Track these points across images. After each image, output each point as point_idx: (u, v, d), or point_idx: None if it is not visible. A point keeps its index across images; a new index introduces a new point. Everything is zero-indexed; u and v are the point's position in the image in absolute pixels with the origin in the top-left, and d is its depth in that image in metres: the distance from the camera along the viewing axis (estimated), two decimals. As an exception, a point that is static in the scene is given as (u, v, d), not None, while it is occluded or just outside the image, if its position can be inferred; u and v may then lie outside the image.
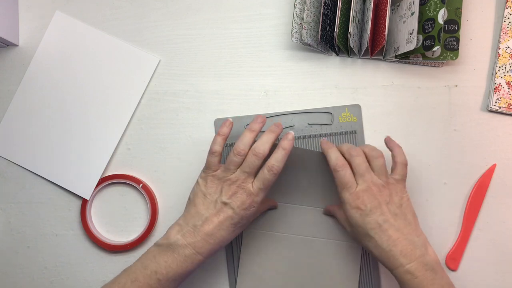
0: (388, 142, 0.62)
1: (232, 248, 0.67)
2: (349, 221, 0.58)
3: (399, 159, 0.59)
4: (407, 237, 0.55)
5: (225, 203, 0.57)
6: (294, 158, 0.63)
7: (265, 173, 0.57)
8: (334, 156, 0.59)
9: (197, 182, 0.61)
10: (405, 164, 0.59)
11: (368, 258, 0.66)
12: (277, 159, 0.57)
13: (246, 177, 0.58)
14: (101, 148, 0.69)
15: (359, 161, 0.58)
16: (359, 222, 0.56)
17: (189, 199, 0.61)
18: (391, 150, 0.61)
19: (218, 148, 0.59)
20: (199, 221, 0.57)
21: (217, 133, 0.60)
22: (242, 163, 0.58)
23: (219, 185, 0.58)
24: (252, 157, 0.57)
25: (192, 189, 0.61)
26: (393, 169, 0.60)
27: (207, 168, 0.60)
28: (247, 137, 0.59)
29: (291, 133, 0.59)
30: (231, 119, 0.61)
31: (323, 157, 0.62)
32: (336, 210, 0.63)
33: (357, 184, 0.57)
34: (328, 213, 0.65)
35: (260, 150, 0.57)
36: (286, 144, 0.58)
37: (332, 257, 0.65)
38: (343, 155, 0.60)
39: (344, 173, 0.57)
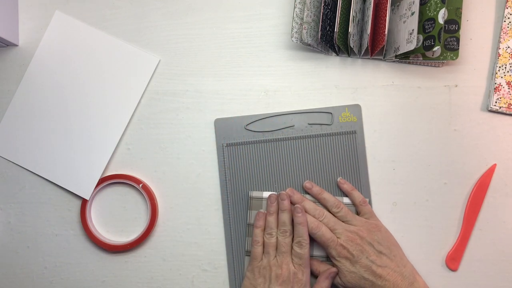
0: (341, 186, 0.67)
1: (232, 248, 0.67)
2: (342, 271, 0.62)
3: (357, 201, 0.65)
4: (395, 270, 0.61)
5: None
6: None
7: (295, 250, 0.62)
8: (308, 221, 0.63)
9: (246, 276, 0.64)
10: (366, 202, 0.65)
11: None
12: (299, 234, 0.62)
13: (285, 256, 0.62)
14: (101, 148, 0.69)
15: (327, 220, 0.63)
16: (351, 268, 0.61)
17: None
18: (348, 194, 0.66)
19: (260, 239, 0.64)
20: None
21: (255, 226, 0.65)
22: (276, 243, 0.63)
23: (267, 274, 0.62)
24: (280, 237, 0.63)
25: (241, 285, 0.64)
26: (358, 212, 0.66)
27: (254, 259, 0.64)
28: (272, 221, 0.65)
29: (299, 207, 0.64)
30: (263, 211, 0.66)
31: None
32: (323, 274, 0.64)
33: (337, 237, 0.62)
34: (316, 273, 0.66)
35: (284, 228, 0.63)
36: (299, 219, 0.63)
37: None
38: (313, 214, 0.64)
39: (322, 232, 0.62)
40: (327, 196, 0.65)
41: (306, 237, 0.62)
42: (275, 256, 0.63)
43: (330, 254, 0.63)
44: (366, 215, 0.65)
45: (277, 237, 0.64)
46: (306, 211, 0.64)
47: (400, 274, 0.61)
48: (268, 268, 0.62)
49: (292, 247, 0.63)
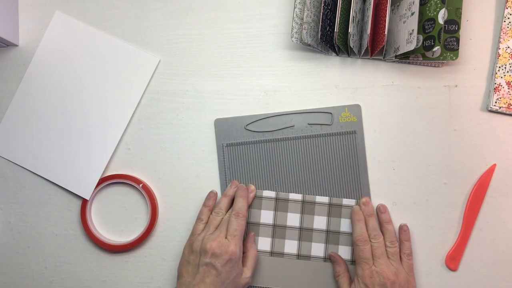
0: (380, 214, 0.66)
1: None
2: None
3: (407, 251, 0.64)
4: None
5: (207, 264, 0.59)
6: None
7: (233, 221, 0.62)
8: (359, 230, 0.63)
9: (183, 252, 0.63)
10: (411, 255, 0.64)
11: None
12: (239, 206, 0.63)
13: (221, 233, 0.62)
14: (101, 148, 0.69)
15: (378, 245, 0.62)
16: None
17: (178, 274, 0.63)
18: (402, 242, 0.65)
19: (205, 217, 0.65)
20: None
21: (204, 205, 0.66)
22: (219, 223, 0.64)
23: (200, 248, 0.61)
24: (233, 218, 0.63)
25: (179, 262, 0.63)
26: (401, 259, 0.64)
27: (192, 234, 0.64)
28: (224, 202, 0.65)
29: (251, 187, 0.67)
30: (215, 191, 0.68)
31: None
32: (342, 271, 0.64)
33: (373, 262, 0.61)
34: (334, 260, 0.66)
35: (236, 209, 0.64)
36: (240, 192, 0.65)
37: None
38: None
39: (364, 248, 0.62)
40: (391, 228, 0.64)
41: (244, 211, 0.63)
42: (212, 232, 0.62)
43: (357, 271, 0.62)
44: (407, 269, 0.63)
45: (222, 218, 0.64)
46: (367, 227, 0.64)
47: None
48: (203, 242, 0.61)
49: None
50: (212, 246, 0.60)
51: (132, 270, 0.69)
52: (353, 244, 0.63)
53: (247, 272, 0.62)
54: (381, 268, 0.60)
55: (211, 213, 0.65)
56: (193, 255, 0.61)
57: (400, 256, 0.64)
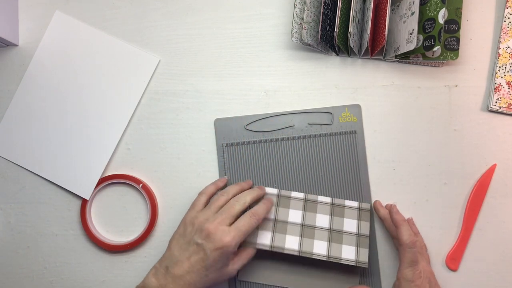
0: (392, 216, 0.62)
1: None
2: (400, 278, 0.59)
3: (423, 243, 0.65)
4: None
5: (198, 244, 0.58)
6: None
7: (246, 217, 0.60)
8: (407, 233, 0.59)
9: (180, 224, 0.62)
10: (414, 243, 0.61)
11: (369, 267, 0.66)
12: (260, 211, 0.61)
13: (224, 218, 0.59)
14: (101, 148, 0.69)
15: (419, 244, 0.64)
16: (409, 277, 0.58)
17: (169, 243, 0.62)
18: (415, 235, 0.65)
19: (209, 192, 0.64)
20: (170, 263, 0.59)
21: (212, 183, 0.65)
22: (223, 206, 0.62)
23: (196, 225, 0.60)
24: (234, 202, 0.61)
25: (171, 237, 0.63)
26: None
27: (192, 207, 0.63)
28: (234, 188, 0.64)
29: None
30: (226, 177, 0.67)
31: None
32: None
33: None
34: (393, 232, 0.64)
35: (242, 198, 0.62)
36: (267, 202, 0.63)
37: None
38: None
39: (415, 251, 0.59)
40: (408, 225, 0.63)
41: (262, 217, 0.61)
42: (214, 213, 0.60)
43: (405, 275, 0.59)
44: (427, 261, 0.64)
45: (226, 200, 0.62)
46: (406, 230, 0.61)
47: None
48: (201, 220, 0.59)
49: (237, 214, 0.61)
50: (209, 228, 0.58)
51: (132, 270, 0.69)
52: (400, 248, 0.60)
53: (234, 266, 0.60)
54: (422, 265, 0.61)
55: (215, 192, 0.65)
56: (189, 228, 0.60)
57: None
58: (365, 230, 0.64)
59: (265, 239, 0.65)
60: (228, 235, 0.58)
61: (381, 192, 0.67)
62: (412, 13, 0.62)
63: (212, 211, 0.61)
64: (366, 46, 0.64)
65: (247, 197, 0.62)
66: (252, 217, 0.60)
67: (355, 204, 0.66)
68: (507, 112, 0.66)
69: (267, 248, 0.64)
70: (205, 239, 0.58)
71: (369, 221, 0.65)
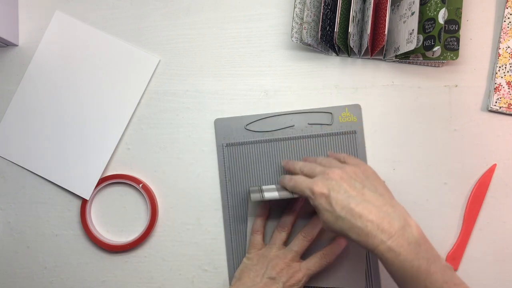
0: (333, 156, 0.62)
1: (232, 248, 0.67)
2: (319, 213, 0.53)
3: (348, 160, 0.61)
4: (380, 209, 0.50)
5: (272, 278, 0.59)
6: None
7: (318, 258, 0.61)
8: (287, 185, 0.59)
9: (243, 261, 0.64)
10: (350, 156, 0.61)
11: (369, 260, 0.66)
12: (333, 251, 0.61)
13: (294, 255, 0.61)
14: (101, 148, 0.69)
15: (307, 168, 0.58)
16: (326, 206, 0.52)
17: (234, 277, 0.63)
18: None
19: (260, 228, 0.65)
20: None
21: (257, 215, 0.65)
22: (286, 239, 0.63)
23: (266, 262, 0.61)
24: (301, 238, 0.62)
25: (238, 268, 0.64)
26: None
27: (252, 247, 0.64)
28: (290, 217, 0.64)
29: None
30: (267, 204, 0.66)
31: None
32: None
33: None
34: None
35: (309, 233, 0.62)
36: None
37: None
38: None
39: (299, 183, 0.56)
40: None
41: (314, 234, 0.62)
42: (280, 249, 0.62)
43: (310, 200, 0.54)
44: (354, 162, 0.59)
45: (288, 234, 0.63)
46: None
47: (387, 215, 0.50)
48: (270, 258, 0.61)
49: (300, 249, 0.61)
50: (280, 265, 0.60)
51: (132, 270, 0.69)
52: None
53: None
54: (321, 175, 0.56)
55: (264, 223, 0.65)
56: (258, 266, 0.61)
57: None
58: None
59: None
60: (299, 272, 0.59)
61: (381, 192, 0.67)
62: (412, 13, 0.62)
63: (278, 247, 0.62)
64: (366, 46, 0.64)
65: (315, 231, 0.62)
66: (322, 259, 0.61)
67: None
68: (507, 112, 0.66)
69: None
70: (279, 274, 0.59)
71: None
